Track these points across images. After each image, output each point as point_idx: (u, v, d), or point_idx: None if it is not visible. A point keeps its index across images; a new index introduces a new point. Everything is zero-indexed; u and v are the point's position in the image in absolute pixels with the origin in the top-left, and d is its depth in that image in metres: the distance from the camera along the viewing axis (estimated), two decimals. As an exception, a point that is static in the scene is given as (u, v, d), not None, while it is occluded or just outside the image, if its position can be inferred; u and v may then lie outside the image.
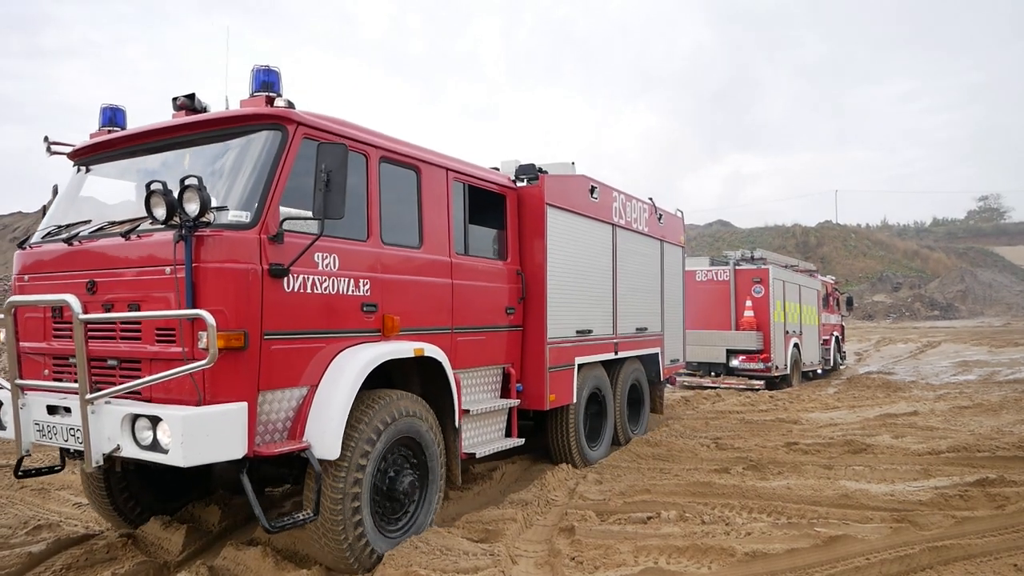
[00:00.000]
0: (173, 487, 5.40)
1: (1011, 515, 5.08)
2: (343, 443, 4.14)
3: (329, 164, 3.94)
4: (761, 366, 14.46)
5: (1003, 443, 7.73)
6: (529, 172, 6.51)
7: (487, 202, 6.15)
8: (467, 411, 5.45)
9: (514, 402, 6.11)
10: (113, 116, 4.98)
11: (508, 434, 6.12)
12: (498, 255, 6.21)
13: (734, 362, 14.70)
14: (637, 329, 8.30)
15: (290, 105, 4.29)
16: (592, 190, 7.26)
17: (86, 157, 4.88)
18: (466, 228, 5.73)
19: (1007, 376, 16.40)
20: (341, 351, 4.40)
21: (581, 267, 7.00)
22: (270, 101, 4.25)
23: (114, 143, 4.72)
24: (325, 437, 4.09)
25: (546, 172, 6.53)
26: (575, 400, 6.83)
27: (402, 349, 4.72)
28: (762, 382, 14.47)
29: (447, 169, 5.52)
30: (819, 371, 18.07)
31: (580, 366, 6.92)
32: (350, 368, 4.30)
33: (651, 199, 8.92)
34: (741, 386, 14.58)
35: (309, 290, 4.19)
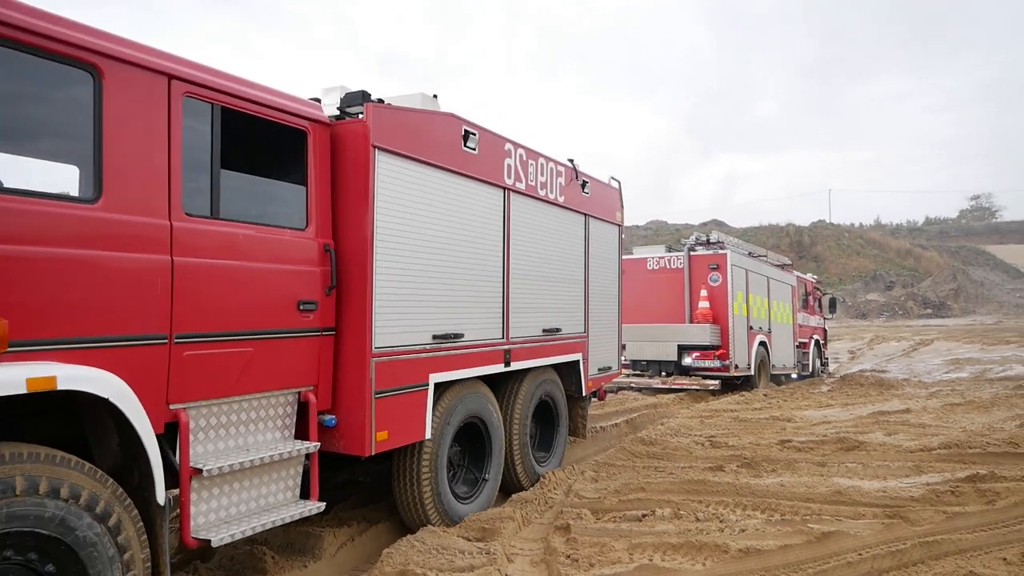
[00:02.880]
0: None
1: (1001, 510, 5.12)
2: None
3: None
4: (717, 364, 12.32)
5: (994, 439, 7.72)
6: (357, 102, 4.39)
7: (271, 140, 4.03)
8: (199, 470, 3.34)
9: (310, 446, 3.96)
10: None
11: (306, 494, 4.02)
12: (288, 221, 4.05)
13: (687, 360, 12.55)
14: (545, 331, 6.21)
15: None
16: (466, 136, 5.09)
17: None
18: (215, 175, 3.59)
19: (999, 373, 16.28)
20: None
21: (443, 244, 4.87)
22: None
23: None
24: None
25: (385, 103, 4.43)
26: (429, 435, 4.71)
27: None
28: (718, 383, 12.43)
29: (172, 77, 3.38)
30: (793, 376, 16.02)
31: (440, 386, 4.85)
32: None
33: (571, 160, 6.72)
34: (694, 387, 12.54)
35: None
